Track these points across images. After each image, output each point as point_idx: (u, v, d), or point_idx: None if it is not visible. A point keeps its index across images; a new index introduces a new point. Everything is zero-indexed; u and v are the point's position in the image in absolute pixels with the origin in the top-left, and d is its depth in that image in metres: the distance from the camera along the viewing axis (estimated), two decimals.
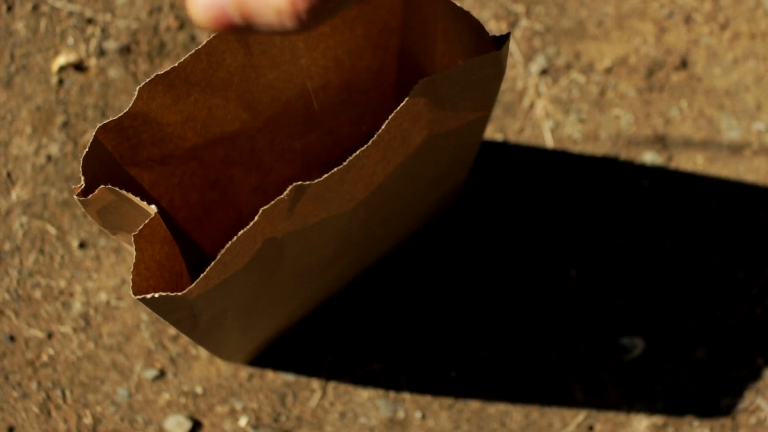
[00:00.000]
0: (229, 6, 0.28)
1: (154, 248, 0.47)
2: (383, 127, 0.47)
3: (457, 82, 0.50)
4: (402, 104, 0.47)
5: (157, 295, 0.43)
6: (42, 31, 0.80)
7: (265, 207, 0.44)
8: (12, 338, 0.74)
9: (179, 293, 0.44)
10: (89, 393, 0.73)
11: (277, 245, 0.50)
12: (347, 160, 0.47)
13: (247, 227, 0.44)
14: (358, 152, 0.47)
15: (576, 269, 0.77)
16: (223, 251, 0.44)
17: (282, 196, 0.45)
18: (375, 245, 0.68)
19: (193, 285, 0.44)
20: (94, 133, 0.47)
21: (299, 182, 0.45)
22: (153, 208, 0.45)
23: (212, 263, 0.44)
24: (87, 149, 0.47)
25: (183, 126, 0.54)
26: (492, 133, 0.80)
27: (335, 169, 0.46)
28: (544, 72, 0.81)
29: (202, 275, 0.44)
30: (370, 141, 0.47)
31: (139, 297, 0.43)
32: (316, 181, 0.45)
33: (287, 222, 0.48)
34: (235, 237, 0.44)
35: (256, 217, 0.44)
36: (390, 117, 0.47)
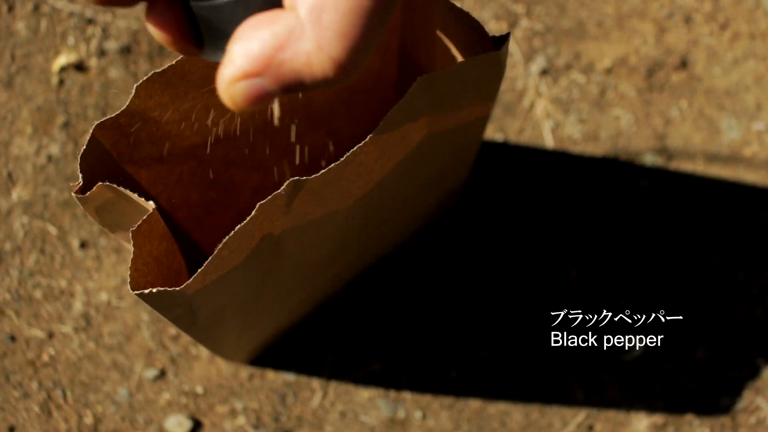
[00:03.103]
0: (269, 86, 0.28)
1: (152, 244, 0.47)
2: (381, 123, 0.47)
3: (456, 81, 0.50)
4: (400, 101, 0.47)
5: (155, 290, 0.43)
6: (43, 31, 0.80)
7: (263, 202, 0.44)
8: (13, 338, 0.74)
9: (177, 288, 0.44)
10: (90, 393, 0.74)
11: (276, 242, 0.50)
12: (345, 156, 0.46)
13: (245, 222, 0.44)
14: (355, 148, 0.47)
15: (576, 269, 0.77)
16: (220, 246, 0.44)
17: (279, 191, 0.44)
18: (374, 244, 0.68)
19: (190, 280, 0.44)
20: (91, 131, 0.47)
21: (297, 177, 0.45)
22: (151, 204, 0.45)
23: (210, 258, 0.44)
24: (84, 147, 0.47)
25: (181, 124, 0.54)
26: (492, 133, 0.80)
27: (333, 165, 0.46)
28: (544, 72, 0.81)
29: (199, 270, 0.44)
30: (368, 137, 0.47)
31: (137, 292, 0.43)
32: (314, 176, 0.45)
33: (285, 218, 0.48)
34: (233, 232, 0.44)
35: (253, 212, 0.44)
36: (388, 113, 0.47)
